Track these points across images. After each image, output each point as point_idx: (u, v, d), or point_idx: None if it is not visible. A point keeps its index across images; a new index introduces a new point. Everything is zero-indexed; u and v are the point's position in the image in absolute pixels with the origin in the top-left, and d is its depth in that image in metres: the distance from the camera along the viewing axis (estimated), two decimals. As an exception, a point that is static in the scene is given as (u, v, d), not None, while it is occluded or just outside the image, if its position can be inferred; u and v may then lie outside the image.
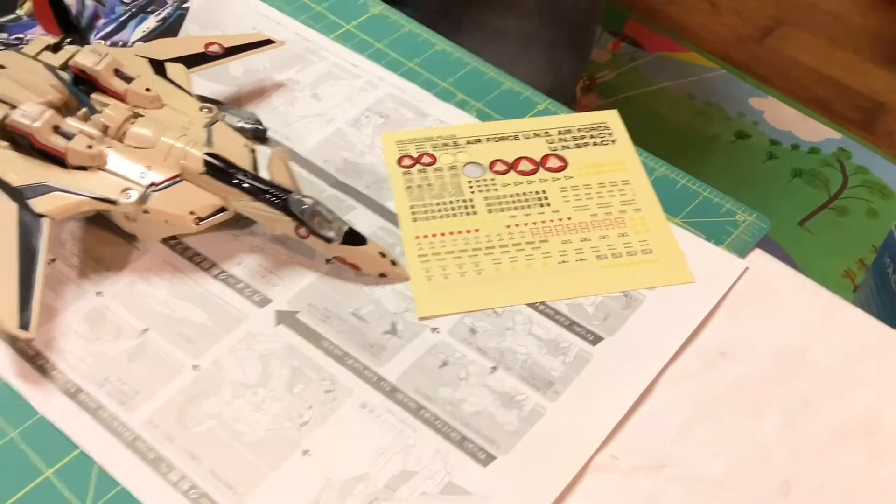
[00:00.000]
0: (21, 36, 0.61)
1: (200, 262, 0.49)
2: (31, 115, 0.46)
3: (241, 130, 0.53)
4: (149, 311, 0.47)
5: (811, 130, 1.33)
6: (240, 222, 0.50)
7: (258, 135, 0.55)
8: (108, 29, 0.62)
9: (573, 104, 0.96)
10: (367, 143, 0.55)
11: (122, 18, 0.63)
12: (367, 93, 0.58)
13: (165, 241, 0.50)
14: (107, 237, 0.49)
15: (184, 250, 0.49)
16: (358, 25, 0.63)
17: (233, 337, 0.46)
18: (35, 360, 0.44)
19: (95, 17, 0.63)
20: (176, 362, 0.45)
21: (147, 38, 0.61)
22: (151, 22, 0.62)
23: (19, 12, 0.62)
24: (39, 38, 0.51)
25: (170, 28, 0.62)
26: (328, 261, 0.49)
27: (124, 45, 0.60)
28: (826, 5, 1.58)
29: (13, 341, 0.45)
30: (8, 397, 0.43)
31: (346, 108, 0.57)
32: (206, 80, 0.57)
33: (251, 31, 0.61)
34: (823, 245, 1.17)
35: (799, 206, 1.22)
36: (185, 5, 0.63)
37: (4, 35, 0.61)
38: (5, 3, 0.63)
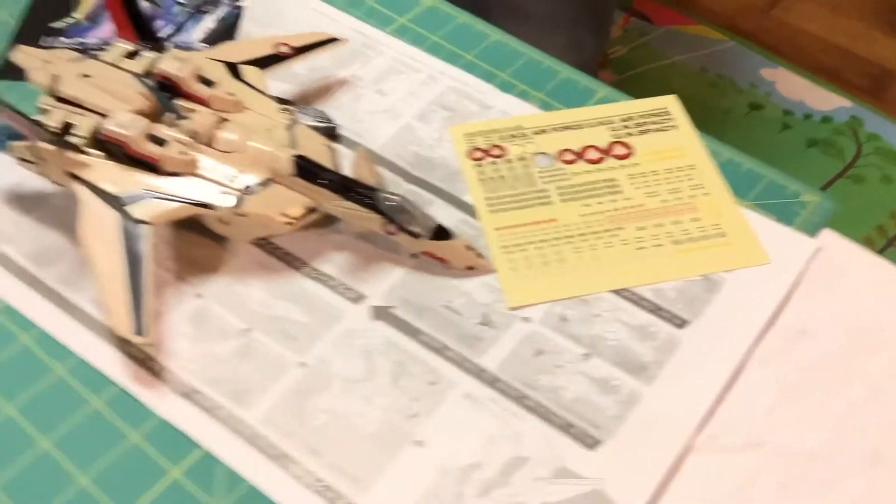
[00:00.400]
0: (83, 41, 0.61)
1: (291, 261, 0.50)
2: (125, 123, 0.47)
3: (314, 129, 0.54)
4: (249, 310, 0.48)
5: (822, 99, 1.35)
6: (324, 220, 0.51)
7: (330, 132, 0.56)
8: (167, 31, 0.63)
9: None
10: (435, 136, 0.57)
11: (179, 20, 0.63)
12: (430, 86, 0.59)
13: (255, 241, 0.51)
14: (197, 240, 0.51)
15: (273, 250, 0.51)
16: (412, 19, 0.64)
17: (333, 333, 0.47)
18: (146, 363, 0.46)
19: (152, 18, 0.63)
20: (283, 360, 0.46)
21: (208, 38, 0.62)
22: (209, 22, 0.63)
23: (76, 16, 0.63)
24: (116, 45, 0.52)
25: (228, 28, 0.63)
26: (413, 255, 0.51)
27: (187, 46, 0.61)
28: (829, -28, 1.59)
29: (123, 346, 0.46)
30: (125, 401, 0.45)
31: (412, 102, 0.59)
32: (272, 80, 0.58)
33: (308, 28, 0.62)
34: (842, 213, 1.19)
35: (816, 175, 1.24)
36: (238, 4, 0.64)
37: (64, 39, 0.61)
38: (60, 7, 0.63)
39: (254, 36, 0.62)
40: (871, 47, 1.47)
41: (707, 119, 1.32)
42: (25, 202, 0.52)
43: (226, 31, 0.62)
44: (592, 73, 0.98)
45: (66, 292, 0.49)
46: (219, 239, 0.51)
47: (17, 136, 0.49)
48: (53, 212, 0.52)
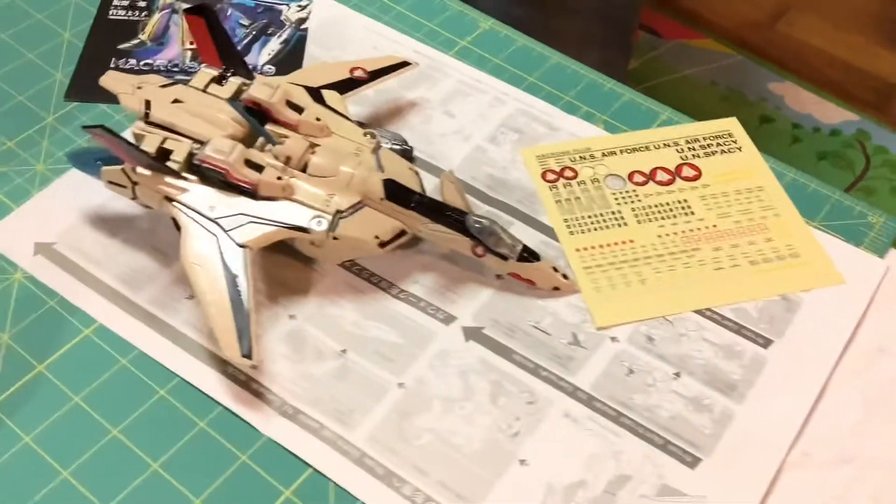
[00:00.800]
0: (151, 62, 0.62)
1: (378, 282, 0.51)
2: (224, 150, 0.48)
3: (391, 150, 0.55)
4: (342, 332, 0.49)
5: (830, 113, 1.37)
6: (409, 241, 0.52)
7: (406, 155, 0.57)
8: None
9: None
10: (507, 158, 0.58)
11: (244, 42, 0.64)
12: (497, 108, 0.61)
13: (343, 263, 0.52)
14: (286, 261, 0.51)
15: (360, 271, 0.52)
16: (472, 41, 0.65)
17: (428, 354, 0.48)
18: (248, 385, 0.47)
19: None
20: (381, 380, 0.47)
21: (273, 60, 0.63)
22: (274, 44, 0.64)
23: (142, 37, 0.64)
24: (203, 70, 0.53)
25: (294, 50, 0.63)
26: (498, 276, 0.52)
27: (254, 68, 0.62)
28: (828, -13, 1.62)
29: (223, 367, 0.47)
30: (231, 422, 0.45)
31: (480, 124, 0.60)
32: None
33: (370, 50, 0.63)
34: (853, 225, 1.22)
35: (827, 188, 1.26)
36: (303, 26, 0.65)
37: (133, 62, 0.62)
38: (127, 29, 0.64)
39: (317, 58, 0.63)
40: (873, 62, 1.50)
41: (719, 132, 1.36)
42: (111, 225, 0.53)
43: (291, 53, 0.63)
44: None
45: (160, 314, 0.49)
46: (307, 260, 0.52)
47: (109, 160, 0.50)
48: (140, 234, 0.52)
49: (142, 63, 0.62)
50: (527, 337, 0.49)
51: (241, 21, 0.65)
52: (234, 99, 0.52)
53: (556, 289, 0.51)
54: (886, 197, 1.26)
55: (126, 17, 0.65)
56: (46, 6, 0.65)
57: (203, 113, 0.50)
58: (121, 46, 0.63)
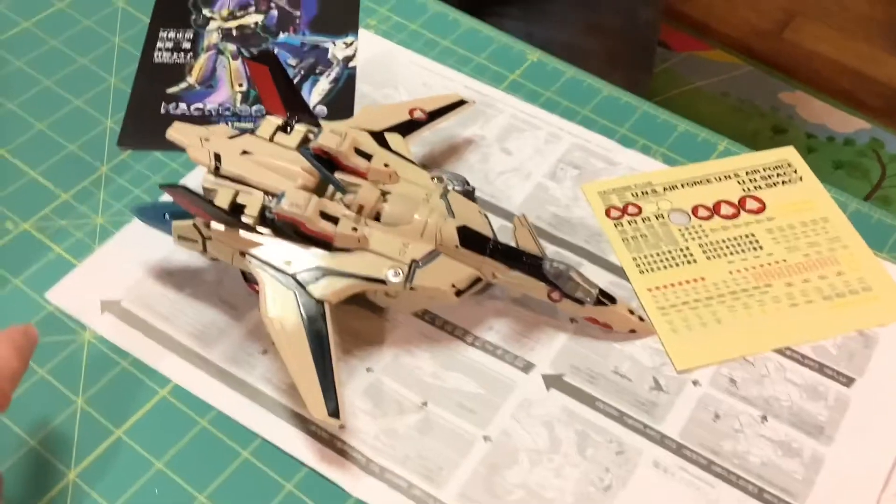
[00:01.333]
0: (201, 106, 0.61)
1: (452, 330, 0.51)
2: (300, 203, 0.47)
3: (454, 192, 0.54)
4: (421, 383, 0.48)
5: (842, 122, 1.38)
6: (482, 288, 0.51)
7: (469, 196, 0.56)
8: None
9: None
10: (569, 195, 0.57)
11: (294, 82, 0.63)
12: (554, 144, 0.60)
13: (415, 312, 0.51)
14: (358, 311, 0.51)
15: (433, 319, 0.51)
16: (522, 74, 0.65)
17: (510, 404, 0.48)
18: (332, 443, 0.46)
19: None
20: (466, 433, 0.46)
21: (325, 100, 0.62)
22: (324, 84, 0.63)
23: (190, 80, 0.63)
24: (268, 119, 0.52)
25: (344, 88, 0.63)
26: (573, 320, 0.51)
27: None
28: (833, -6, 1.63)
29: (304, 426, 0.46)
30: (318, 484, 0.44)
31: (538, 160, 0.59)
32: (401, 143, 0.58)
33: (420, 86, 0.63)
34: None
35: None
36: (351, 64, 0.64)
37: (184, 106, 0.61)
38: (173, 73, 0.63)
39: (369, 97, 0.62)
40: (881, 69, 1.50)
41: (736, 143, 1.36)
42: (177, 278, 0.52)
43: (342, 93, 0.62)
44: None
45: (235, 371, 0.48)
46: (378, 310, 0.51)
47: (177, 214, 0.49)
48: (207, 287, 0.52)
49: (192, 108, 0.61)
50: (608, 383, 0.49)
51: (289, 61, 0.64)
52: (301, 146, 0.51)
53: (633, 331, 0.50)
54: (905, 205, 1.26)
55: (172, 61, 0.64)
56: (89, 50, 0.64)
57: (272, 164, 0.50)
58: (169, 90, 0.62)
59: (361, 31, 0.67)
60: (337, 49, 0.65)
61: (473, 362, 0.49)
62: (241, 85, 0.63)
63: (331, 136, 0.50)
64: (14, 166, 0.57)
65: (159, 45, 0.65)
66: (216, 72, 0.63)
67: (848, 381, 0.49)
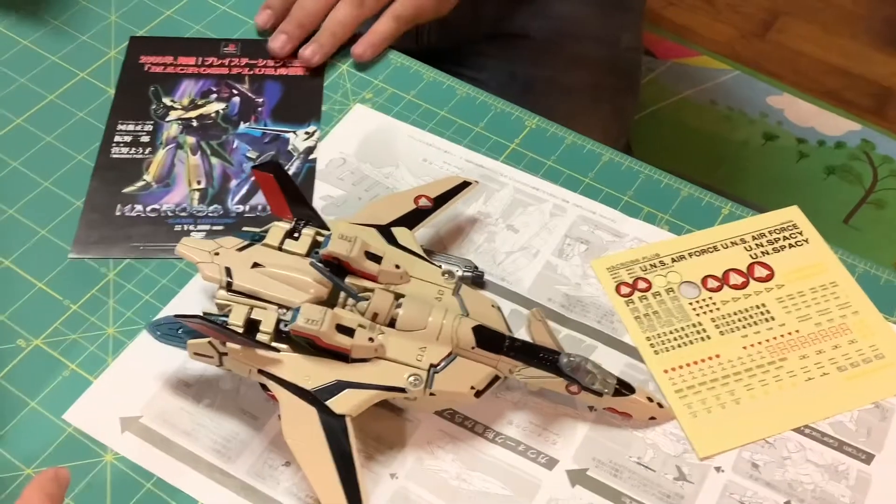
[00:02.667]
0: (157, 206, 0.60)
1: (472, 426, 0.51)
2: (315, 318, 0.47)
3: (462, 279, 0.54)
4: (446, 487, 0.48)
5: (832, 124, 1.38)
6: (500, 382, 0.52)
7: (477, 281, 0.56)
8: (244, 191, 0.61)
9: (630, 142, 0.98)
10: (578, 273, 0.57)
11: (253, 178, 0.61)
12: (559, 218, 0.60)
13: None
14: (376, 413, 0.50)
15: (452, 416, 0.51)
16: (521, 143, 0.64)
17: (537, 504, 0.48)
18: (363, 559, 0.46)
19: (226, 178, 0.62)
20: (496, 541, 0.47)
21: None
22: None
23: (147, 178, 0.61)
24: (276, 226, 0.52)
25: (304, 184, 0.61)
26: (591, 408, 0.51)
27: (263, 208, 0.60)
28: (815, -8, 1.63)
29: (334, 542, 0.46)
30: None
31: (545, 237, 0.59)
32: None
33: (422, 162, 0.63)
34: (869, 240, 1.23)
35: (840, 203, 1.27)
36: (311, 157, 0.63)
37: (140, 207, 0.59)
38: (131, 173, 0.62)
39: (368, 176, 0.62)
40: (868, 66, 1.51)
41: (726, 153, 1.37)
42: (194, 390, 0.52)
43: (302, 188, 0.58)
44: (628, 135, 1.00)
45: (260, 486, 0.48)
46: (398, 410, 0.51)
47: (193, 333, 0.49)
48: (225, 396, 0.51)
49: (148, 209, 0.59)
50: (632, 476, 0.49)
51: (248, 154, 0.63)
52: (310, 251, 0.51)
53: (653, 418, 0.51)
54: (897, 209, 1.27)
55: (130, 155, 0.62)
56: (82, 148, 0.63)
57: (284, 276, 0.49)
58: (125, 190, 0.61)
59: (358, 106, 0.66)
60: (298, 140, 0.64)
61: (496, 460, 0.49)
62: (199, 182, 0.61)
63: (340, 242, 0.50)
64: (20, 277, 0.56)
65: (117, 138, 0.63)
66: (174, 168, 0.62)
67: (868, 458, 0.49)
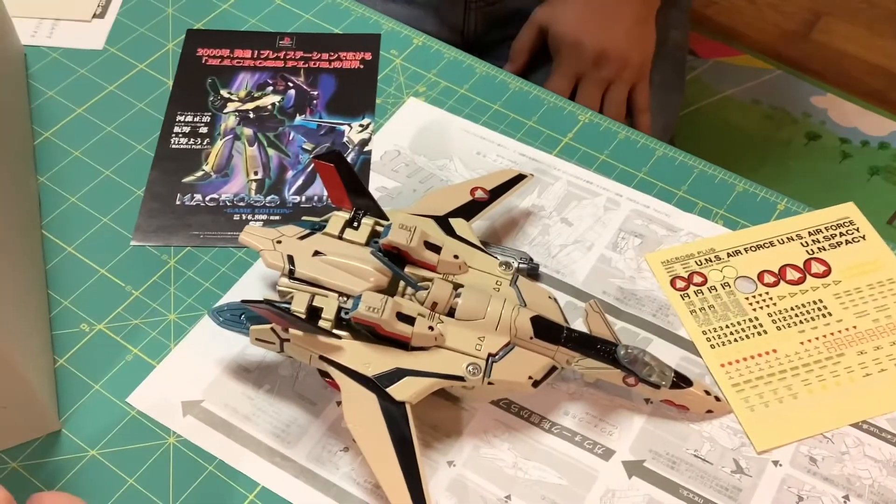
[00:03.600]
0: (216, 196, 0.61)
1: (528, 416, 0.51)
2: (376, 306, 0.47)
3: (519, 271, 0.54)
4: (502, 475, 0.49)
5: (876, 125, 1.37)
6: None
7: (532, 273, 0.57)
8: (300, 181, 0.62)
9: (675, 137, 0.98)
10: (633, 266, 0.57)
11: (309, 169, 0.63)
12: (613, 212, 0.60)
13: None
14: (433, 401, 0.51)
15: (509, 406, 0.51)
16: (574, 137, 0.65)
17: (594, 495, 0.48)
18: (422, 544, 0.46)
19: (283, 169, 0.63)
20: (553, 529, 0.47)
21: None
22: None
23: (206, 168, 0.62)
24: (336, 215, 0.52)
25: (360, 173, 0.62)
26: (648, 400, 0.51)
27: (319, 199, 0.60)
28: (858, -8, 1.61)
29: (392, 528, 0.47)
30: (413, 588, 0.45)
31: (599, 230, 0.59)
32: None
33: (476, 155, 0.63)
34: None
35: (883, 204, 1.26)
36: (367, 149, 0.64)
37: (199, 197, 0.60)
38: (191, 160, 0.63)
39: (424, 169, 0.62)
40: (912, 66, 1.49)
41: (770, 152, 1.36)
42: (254, 375, 0.52)
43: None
44: (675, 128, 0.99)
45: (319, 471, 0.49)
46: (453, 398, 0.52)
47: (254, 317, 0.49)
48: (284, 382, 0.52)
49: (207, 198, 0.61)
50: (689, 468, 0.49)
51: (304, 146, 0.64)
52: (370, 240, 0.51)
53: (710, 412, 0.51)
54: (944, 210, 1.26)
55: (188, 146, 0.64)
56: (141, 138, 0.65)
57: (345, 264, 0.50)
58: (185, 180, 0.62)
59: (412, 99, 0.67)
60: (353, 132, 0.65)
61: (553, 450, 0.50)
62: (256, 173, 0.62)
63: (400, 232, 0.50)
64: (83, 264, 0.57)
65: (176, 129, 0.65)
66: (232, 159, 0.63)
67: (928, 455, 0.49)
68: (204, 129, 0.65)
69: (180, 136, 0.65)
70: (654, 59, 0.91)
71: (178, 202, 0.61)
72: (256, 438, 0.50)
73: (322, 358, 0.48)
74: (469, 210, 0.56)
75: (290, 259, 0.50)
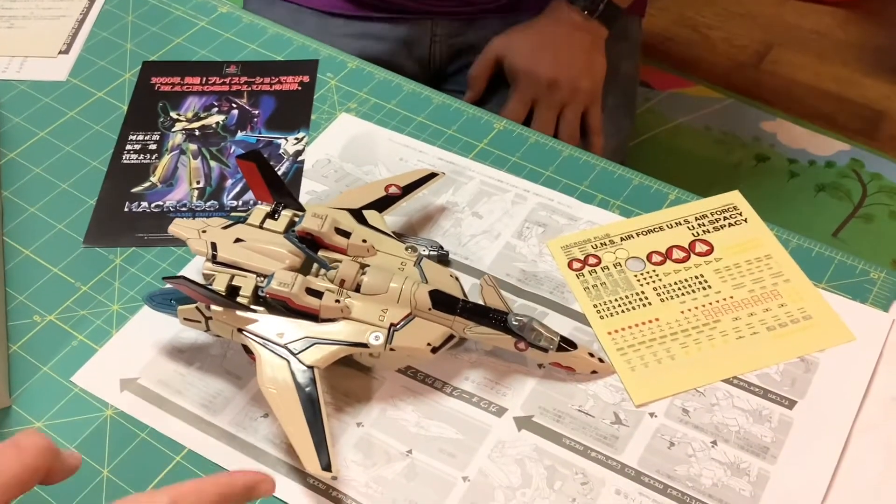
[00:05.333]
0: (161, 203, 0.67)
1: (433, 382, 0.56)
2: (286, 282, 0.53)
3: (429, 257, 0.60)
4: (406, 433, 0.54)
5: (823, 145, 1.43)
6: (457, 343, 0.57)
7: (442, 259, 0.62)
8: (237, 189, 0.69)
9: (626, 159, 1.03)
10: (535, 252, 0.63)
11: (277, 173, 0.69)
12: (520, 205, 0.66)
13: (398, 369, 0.57)
14: (348, 372, 0.57)
15: (415, 374, 0.57)
16: (489, 142, 0.71)
17: (486, 446, 0.53)
18: (328, 492, 0.52)
19: (223, 178, 0.69)
20: (448, 476, 0.52)
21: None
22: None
23: (153, 179, 0.69)
24: (258, 208, 0.58)
25: (292, 181, 0.68)
26: (541, 365, 0.57)
27: (255, 203, 0.66)
28: (808, 24, 1.69)
29: (303, 479, 0.52)
30: (318, 529, 0.50)
31: (507, 221, 0.65)
32: (385, 215, 0.64)
33: (400, 160, 0.69)
34: (858, 253, 1.27)
35: (829, 218, 1.32)
36: (299, 158, 0.70)
37: (145, 204, 0.67)
38: (140, 173, 0.69)
39: (349, 173, 0.69)
40: (858, 90, 1.56)
41: (720, 174, 1.42)
42: (186, 355, 0.58)
43: (290, 184, 0.67)
44: (626, 153, 1.05)
45: (241, 434, 0.54)
46: (366, 369, 0.57)
47: (182, 300, 0.55)
48: (213, 360, 0.58)
49: (153, 205, 0.67)
50: (573, 421, 0.54)
51: None
52: (288, 229, 0.58)
53: (595, 372, 0.56)
54: (886, 222, 1.31)
55: (138, 161, 0.71)
56: (97, 154, 0.71)
57: (262, 248, 0.56)
58: (133, 190, 0.68)
59: (344, 114, 0.73)
60: (288, 144, 0.72)
61: (452, 410, 0.55)
62: (198, 182, 0.69)
63: (313, 219, 0.56)
64: (38, 264, 0.64)
65: (128, 147, 0.72)
66: (178, 171, 0.70)
67: (790, 404, 0.54)
68: (153, 146, 0.72)
69: (131, 152, 0.71)
70: (606, 86, 0.98)
71: (126, 209, 0.67)
72: (185, 409, 0.56)
73: (241, 331, 0.54)
74: (382, 204, 0.62)
75: (213, 245, 0.56)
